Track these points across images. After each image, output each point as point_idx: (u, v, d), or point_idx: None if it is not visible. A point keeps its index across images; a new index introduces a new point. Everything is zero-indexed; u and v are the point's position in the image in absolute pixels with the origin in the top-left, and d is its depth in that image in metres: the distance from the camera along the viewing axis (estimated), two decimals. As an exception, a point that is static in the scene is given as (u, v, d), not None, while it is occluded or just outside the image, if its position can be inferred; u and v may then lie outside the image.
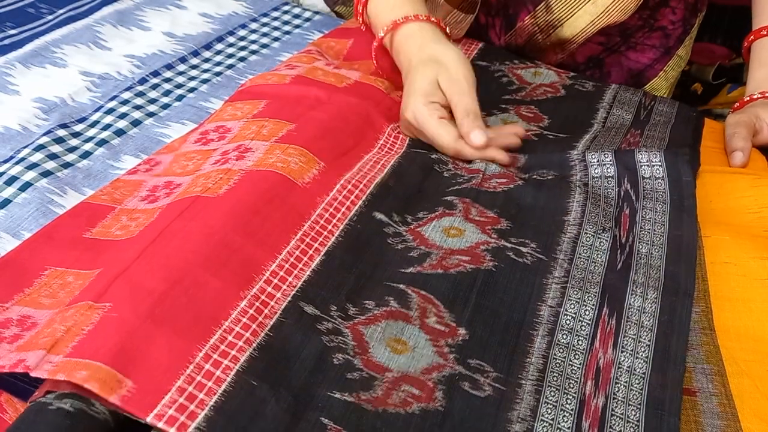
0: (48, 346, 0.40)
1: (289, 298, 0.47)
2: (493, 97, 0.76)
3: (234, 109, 0.67)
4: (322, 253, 0.51)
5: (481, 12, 0.82)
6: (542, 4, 0.78)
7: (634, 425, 0.42)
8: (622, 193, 0.60)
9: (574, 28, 0.77)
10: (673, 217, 0.56)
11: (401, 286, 0.50)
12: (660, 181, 0.60)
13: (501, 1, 0.81)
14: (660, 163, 0.60)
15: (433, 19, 0.69)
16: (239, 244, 0.48)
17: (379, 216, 0.56)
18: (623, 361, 0.46)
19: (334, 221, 0.54)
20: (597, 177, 0.61)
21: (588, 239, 0.55)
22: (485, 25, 0.84)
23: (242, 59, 0.85)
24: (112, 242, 0.53)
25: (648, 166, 0.61)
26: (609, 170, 0.61)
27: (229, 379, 0.40)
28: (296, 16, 0.96)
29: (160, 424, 0.37)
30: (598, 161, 0.62)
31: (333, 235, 0.53)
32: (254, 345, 0.43)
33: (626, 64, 0.81)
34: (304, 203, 0.54)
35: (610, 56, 0.81)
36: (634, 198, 0.59)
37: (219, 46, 0.87)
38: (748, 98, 0.73)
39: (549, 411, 0.43)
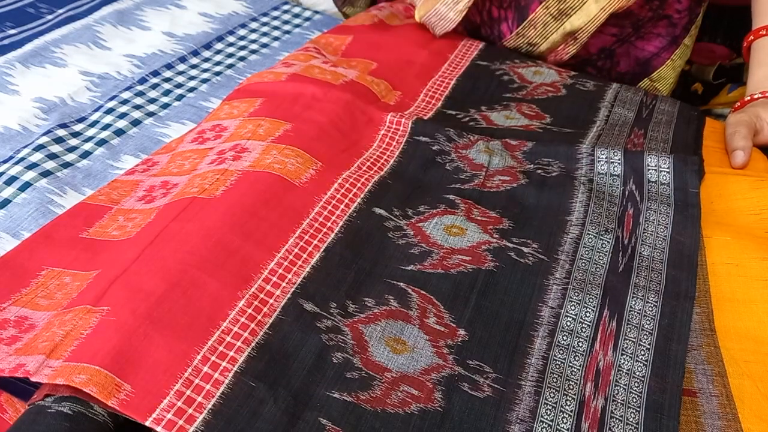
0: (47, 351, 0.40)
1: (288, 296, 0.47)
2: (494, 95, 0.76)
3: (230, 107, 0.67)
4: (322, 250, 0.51)
5: (493, 5, 0.83)
6: None
7: (633, 427, 0.42)
8: (626, 192, 0.60)
9: (586, 15, 0.77)
10: (676, 222, 0.56)
11: (401, 284, 0.50)
12: (666, 186, 0.60)
13: None
14: (668, 170, 0.61)
15: None
16: (237, 245, 0.48)
17: (379, 211, 0.56)
18: (623, 363, 0.46)
19: (333, 218, 0.54)
20: (603, 174, 0.61)
21: (590, 240, 0.55)
22: (498, 18, 0.84)
23: (242, 59, 0.85)
24: (109, 242, 0.52)
25: (656, 170, 0.61)
26: (616, 169, 0.61)
27: (227, 381, 0.40)
28: (296, 16, 0.96)
29: (159, 428, 0.37)
30: (606, 158, 0.62)
31: (332, 232, 0.53)
32: (253, 344, 0.43)
33: (634, 54, 0.82)
34: (302, 202, 0.54)
35: (621, 46, 0.82)
36: (638, 199, 0.59)
37: (219, 46, 0.87)
38: (748, 98, 0.73)
39: (548, 412, 0.43)
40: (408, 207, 0.57)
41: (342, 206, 0.55)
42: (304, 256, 0.50)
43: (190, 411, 0.38)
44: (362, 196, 0.57)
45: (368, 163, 0.61)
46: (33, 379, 0.38)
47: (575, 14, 0.78)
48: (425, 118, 0.70)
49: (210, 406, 0.39)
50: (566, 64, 0.84)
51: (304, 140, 0.60)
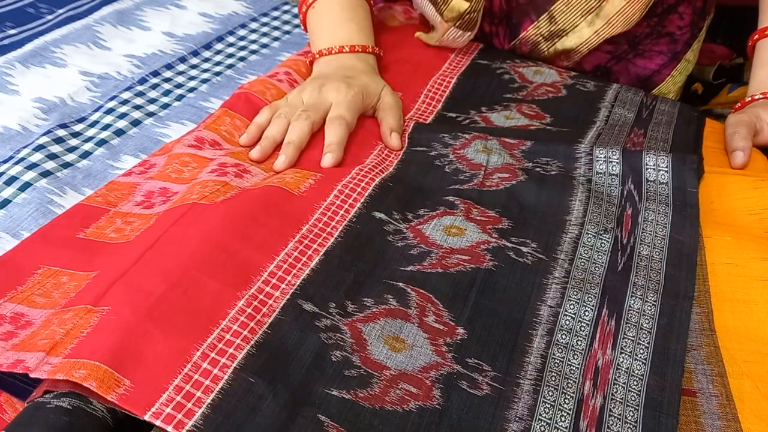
0: (47, 348, 0.41)
1: (287, 296, 0.47)
2: (494, 95, 0.76)
3: (231, 119, 0.67)
4: (321, 253, 0.51)
5: (484, 20, 0.82)
6: (545, 14, 0.77)
7: (632, 426, 0.42)
8: (625, 192, 0.60)
9: (579, 38, 0.77)
10: (674, 221, 0.56)
11: (400, 284, 0.50)
12: (664, 186, 0.60)
13: (504, 10, 0.81)
14: (666, 169, 0.60)
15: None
16: (237, 248, 0.49)
17: (379, 215, 0.56)
18: (622, 362, 0.46)
19: (333, 223, 0.54)
20: (601, 173, 0.61)
21: (589, 239, 0.55)
22: (489, 33, 0.84)
23: (242, 59, 0.85)
24: (107, 245, 0.53)
25: (654, 169, 0.61)
26: (614, 168, 0.61)
27: (226, 377, 0.40)
28: (296, 16, 0.96)
29: (158, 422, 0.37)
30: (605, 157, 0.62)
31: (332, 236, 0.53)
32: (252, 342, 0.43)
33: (633, 71, 0.81)
34: (301, 209, 0.54)
35: (617, 64, 0.81)
36: (637, 198, 0.59)
37: (219, 46, 0.87)
38: (749, 98, 0.73)
39: (547, 410, 0.43)
40: (408, 211, 0.57)
41: (342, 212, 0.55)
42: (304, 259, 0.50)
43: (189, 406, 0.38)
44: (362, 201, 0.57)
45: (366, 169, 0.61)
46: (33, 375, 0.39)
47: (566, 36, 0.78)
48: (425, 122, 0.71)
49: (209, 401, 0.39)
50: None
51: (305, 164, 0.61)
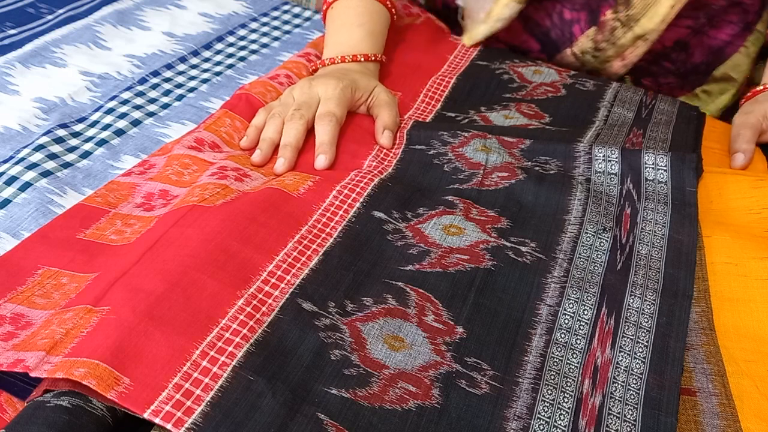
0: (47, 348, 0.41)
1: (287, 296, 0.47)
2: (493, 95, 0.76)
3: (231, 120, 0.67)
4: (321, 253, 0.51)
5: (565, 8, 0.83)
6: None
7: (630, 424, 0.42)
8: (624, 192, 0.60)
9: (656, 16, 0.77)
10: (673, 220, 0.56)
11: (400, 283, 0.50)
12: (663, 185, 0.60)
13: None
14: (665, 168, 0.61)
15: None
16: (236, 249, 0.49)
17: (379, 214, 0.56)
18: (621, 360, 0.46)
19: (332, 224, 0.54)
20: (600, 172, 0.61)
21: (588, 239, 0.55)
22: (570, 20, 0.84)
23: (242, 59, 0.85)
24: (107, 246, 0.53)
25: (653, 168, 0.61)
26: (613, 167, 0.61)
27: (225, 375, 0.40)
28: (296, 16, 0.96)
29: (157, 420, 0.37)
30: (603, 156, 0.62)
31: (331, 237, 0.53)
32: (251, 341, 0.43)
33: (707, 43, 0.82)
34: (300, 210, 0.55)
35: (695, 37, 0.82)
36: (636, 198, 0.59)
37: (219, 46, 0.87)
38: (762, 87, 0.73)
39: (546, 409, 0.43)
40: (407, 210, 0.57)
41: (341, 212, 0.55)
42: (303, 259, 0.50)
43: (189, 403, 0.38)
44: (361, 200, 0.57)
45: (365, 170, 0.61)
46: (33, 374, 0.39)
47: (644, 18, 0.78)
48: (424, 121, 0.71)
49: (208, 398, 0.39)
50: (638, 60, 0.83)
51: (304, 167, 0.62)
